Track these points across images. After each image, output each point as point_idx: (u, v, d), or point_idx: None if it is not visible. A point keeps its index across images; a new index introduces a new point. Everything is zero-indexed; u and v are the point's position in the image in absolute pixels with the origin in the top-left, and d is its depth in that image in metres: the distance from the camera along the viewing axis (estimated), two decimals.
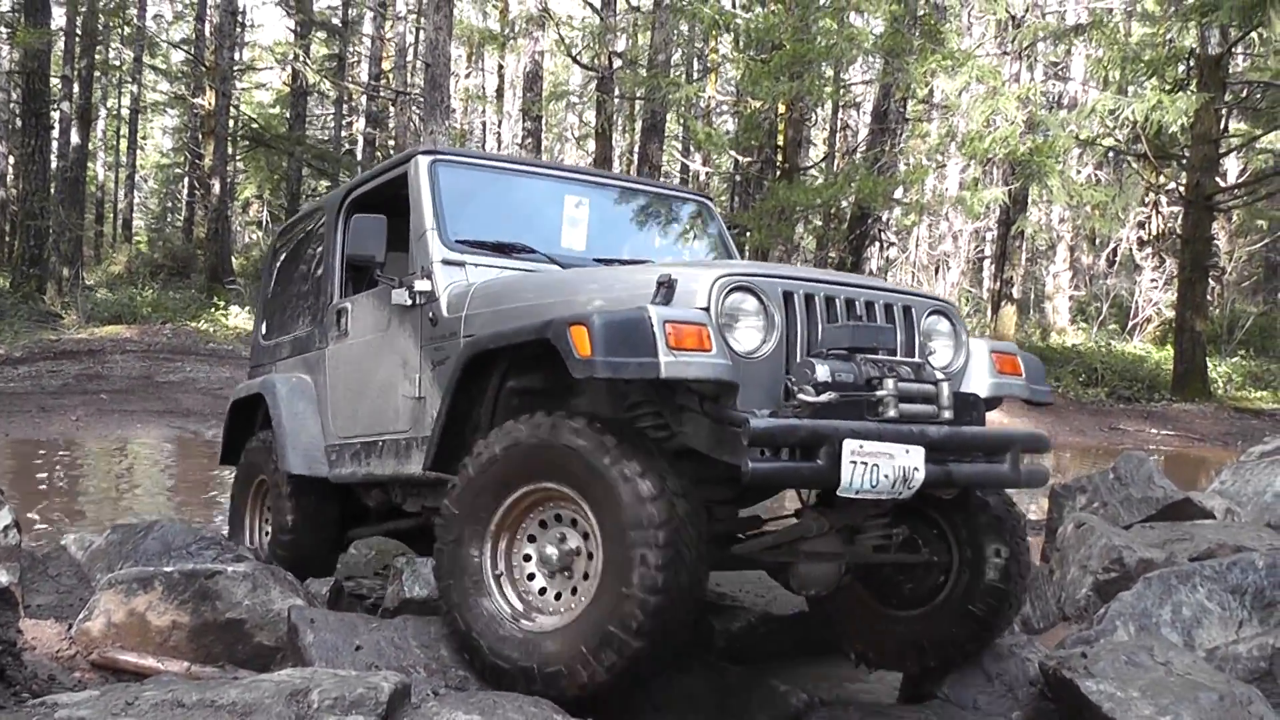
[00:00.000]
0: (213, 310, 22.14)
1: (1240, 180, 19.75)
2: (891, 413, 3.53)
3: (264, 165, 32.12)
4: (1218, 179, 17.15)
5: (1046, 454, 4.16)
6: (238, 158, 32.81)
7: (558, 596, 3.54)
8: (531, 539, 3.62)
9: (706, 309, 3.49)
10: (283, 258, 6.33)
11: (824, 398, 3.42)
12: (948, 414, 3.69)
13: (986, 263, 22.73)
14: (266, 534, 5.85)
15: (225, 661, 4.01)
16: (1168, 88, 16.34)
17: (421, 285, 4.50)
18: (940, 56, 14.80)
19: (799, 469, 3.35)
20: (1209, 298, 19.10)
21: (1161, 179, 17.99)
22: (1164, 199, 19.02)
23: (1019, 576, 4.12)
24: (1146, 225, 19.95)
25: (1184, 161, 16.48)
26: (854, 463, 3.29)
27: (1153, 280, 19.77)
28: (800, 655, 4.89)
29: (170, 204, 44.36)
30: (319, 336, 5.52)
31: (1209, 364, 19.67)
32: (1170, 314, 18.06)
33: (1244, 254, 22.80)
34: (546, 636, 3.40)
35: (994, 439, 3.81)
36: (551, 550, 3.53)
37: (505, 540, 3.62)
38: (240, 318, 21.29)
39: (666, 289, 3.51)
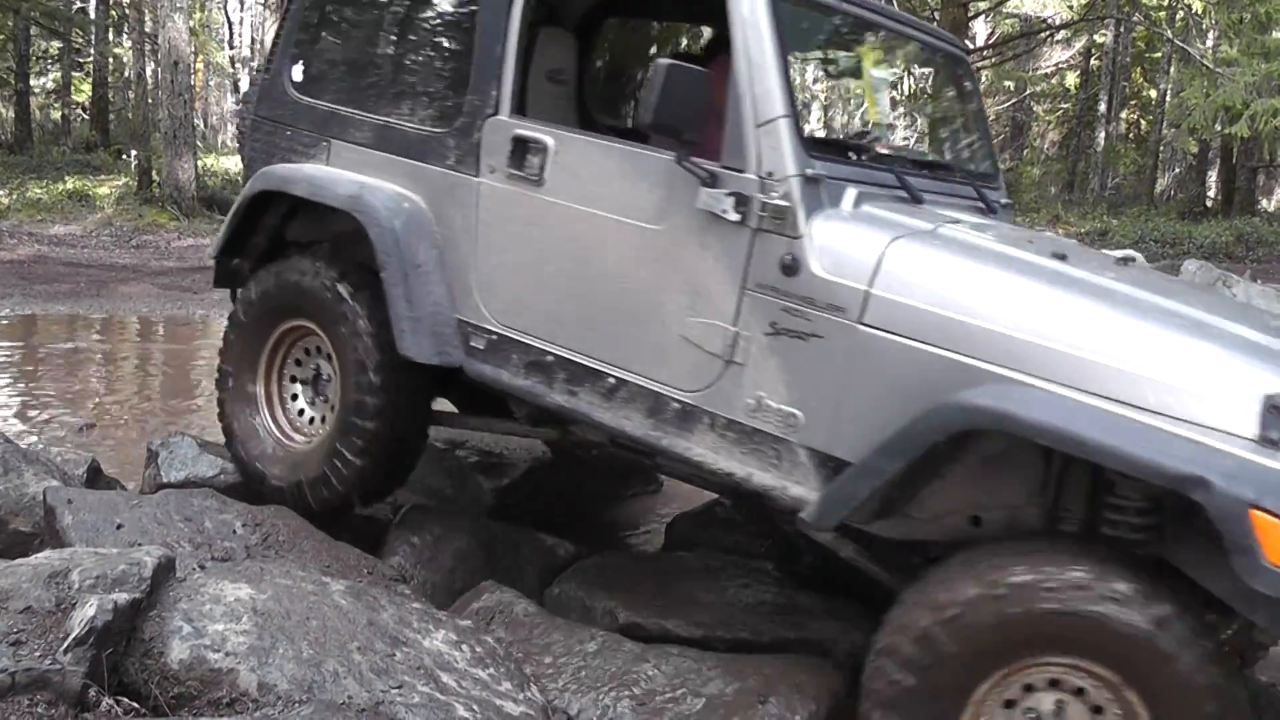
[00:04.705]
0: None
1: (989, 43, 20.69)
2: None
3: None
4: (967, 41, 17.92)
5: None
6: None
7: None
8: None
9: None
10: None
11: None
12: None
13: None
14: (296, 412, 4.16)
15: None
16: None
17: (776, 201, 2.96)
18: None
19: None
20: None
21: None
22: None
23: None
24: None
25: (935, 24, 17.16)
26: None
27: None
28: (566, 510, 5.12)
29: None
30: (459, 152, 3.63)
31: None
32: None
33: (992, 113, 24.07)
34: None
35: None
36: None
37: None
38: None
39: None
